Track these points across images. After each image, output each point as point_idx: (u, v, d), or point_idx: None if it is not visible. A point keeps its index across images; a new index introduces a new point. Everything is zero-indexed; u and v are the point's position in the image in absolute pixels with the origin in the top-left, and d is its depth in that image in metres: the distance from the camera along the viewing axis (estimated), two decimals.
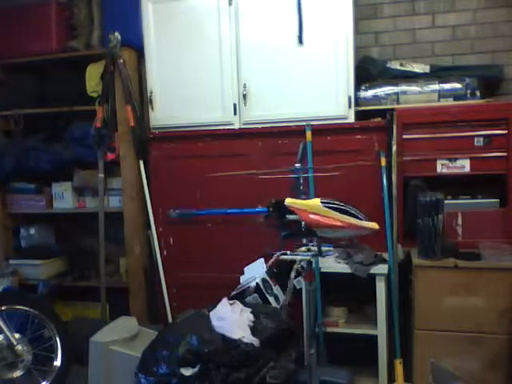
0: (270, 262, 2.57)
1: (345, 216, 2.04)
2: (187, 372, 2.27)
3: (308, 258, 2.13)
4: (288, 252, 2.16)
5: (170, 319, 3.27)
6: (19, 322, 2.94)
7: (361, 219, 2.05)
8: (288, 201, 2.07)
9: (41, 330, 2.97)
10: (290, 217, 2.07)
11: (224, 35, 3.09)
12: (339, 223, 2.02)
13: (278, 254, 2.15)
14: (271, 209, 2.11)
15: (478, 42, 3.16)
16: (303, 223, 2.08)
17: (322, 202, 2.06)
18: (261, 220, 2.17)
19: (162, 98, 3.26)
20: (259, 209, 2.17)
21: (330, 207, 2.04)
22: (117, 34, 3.21)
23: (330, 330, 2.83)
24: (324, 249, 2.14)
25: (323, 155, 2.95)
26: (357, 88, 3.01)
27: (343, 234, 2.14)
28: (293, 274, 2.55)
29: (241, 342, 2.33)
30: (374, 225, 2.05)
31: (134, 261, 3.42)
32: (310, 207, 2.05)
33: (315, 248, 2.14)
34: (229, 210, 2.28)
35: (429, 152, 2.83)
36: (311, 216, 2.03)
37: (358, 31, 3.21)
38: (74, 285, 3.63)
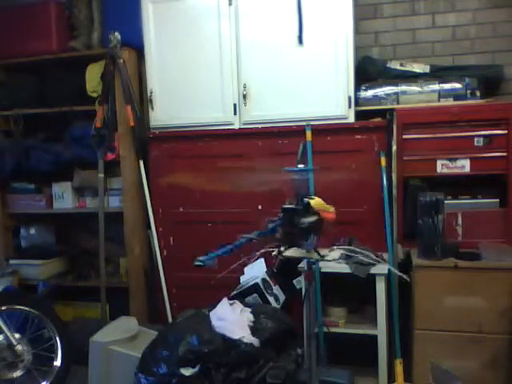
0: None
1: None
2: (187, 372, 2.27)
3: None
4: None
5: (170, 319, 3.27)
6: (19, 322, 2.95)
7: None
8: (313, 202, 1.96)
9: (41, 330, 2.98)
10: (308, 219, 1.94)
11: (224, 35, 3.09)
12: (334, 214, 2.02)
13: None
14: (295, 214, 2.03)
15: (478, 42, 3.16)
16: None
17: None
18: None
19: (162, 97, 3.26)
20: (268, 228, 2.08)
21: None
22: (117, 33, 3.21)
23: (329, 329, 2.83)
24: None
25: (323, 155, 2.95)
26: (357, 88, 3.01)
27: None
28: None
29: (241, 342, 2.33)
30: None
31: (134, 261, 3.42)
32: (321, 205, 2.02)
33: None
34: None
35: (429, 152, 2.83)
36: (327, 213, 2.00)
37: (358, 31, 3.21)
38: (74, 285, 3.62)
